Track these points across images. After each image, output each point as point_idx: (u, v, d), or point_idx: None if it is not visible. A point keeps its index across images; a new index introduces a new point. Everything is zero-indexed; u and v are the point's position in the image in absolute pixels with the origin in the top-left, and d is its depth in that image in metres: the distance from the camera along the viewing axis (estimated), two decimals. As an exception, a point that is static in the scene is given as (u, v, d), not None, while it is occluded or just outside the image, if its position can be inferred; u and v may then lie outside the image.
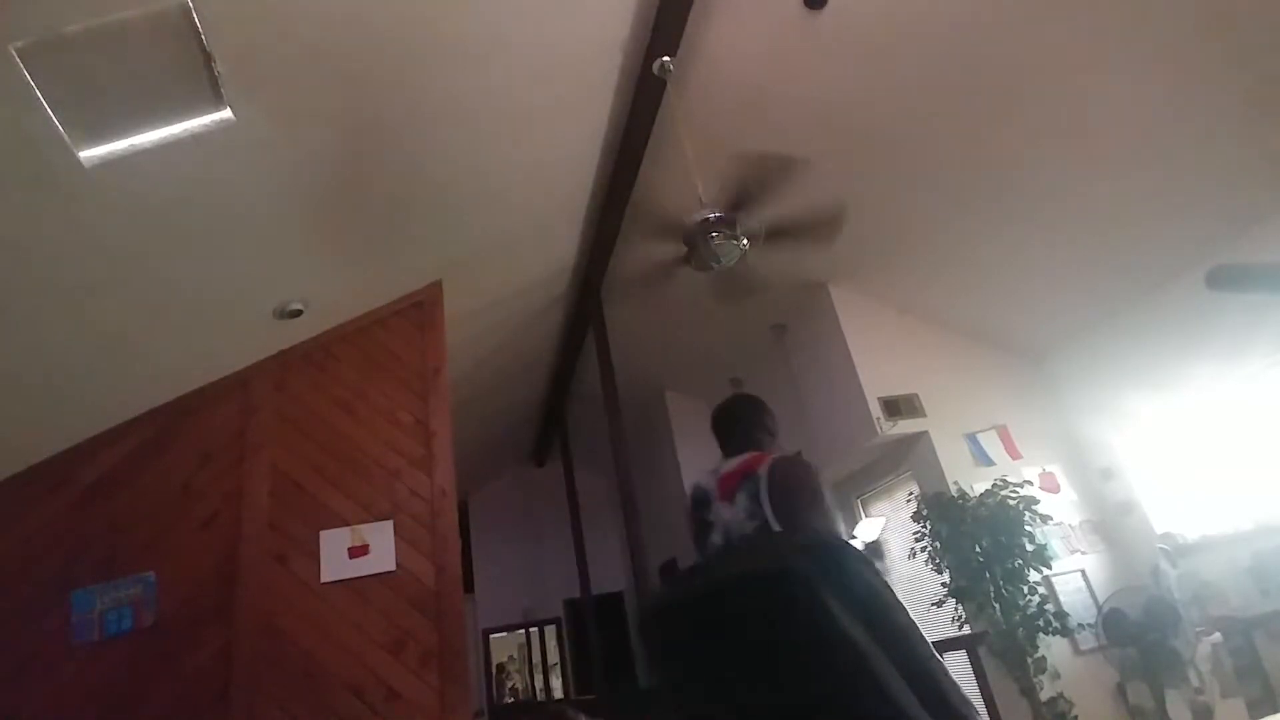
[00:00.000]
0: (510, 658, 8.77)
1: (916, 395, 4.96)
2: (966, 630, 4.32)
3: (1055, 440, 5.10)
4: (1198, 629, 3.94)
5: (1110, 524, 4.81)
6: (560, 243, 4.89)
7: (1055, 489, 4.83)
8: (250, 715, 2.94)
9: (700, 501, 2.30)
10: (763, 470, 2.15)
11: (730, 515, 2.17)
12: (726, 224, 3.12)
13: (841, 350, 5.18)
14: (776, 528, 2.04)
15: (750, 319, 5.86)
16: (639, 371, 6.59)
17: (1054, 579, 4.40)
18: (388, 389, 3.72)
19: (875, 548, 2.52)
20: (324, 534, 3.32)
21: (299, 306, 3.45)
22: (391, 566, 3.29)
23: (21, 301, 2.50)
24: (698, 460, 7.18)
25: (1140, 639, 4.12)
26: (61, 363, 2.87)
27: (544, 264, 5.05)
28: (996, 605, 4.16)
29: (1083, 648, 4.32)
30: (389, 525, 3.37)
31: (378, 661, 3.11)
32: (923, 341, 5.31)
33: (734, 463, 2.26)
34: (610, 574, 8.34)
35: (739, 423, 2.40)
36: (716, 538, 2.19)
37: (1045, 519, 4.32)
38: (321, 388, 3.66)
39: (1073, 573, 4.54)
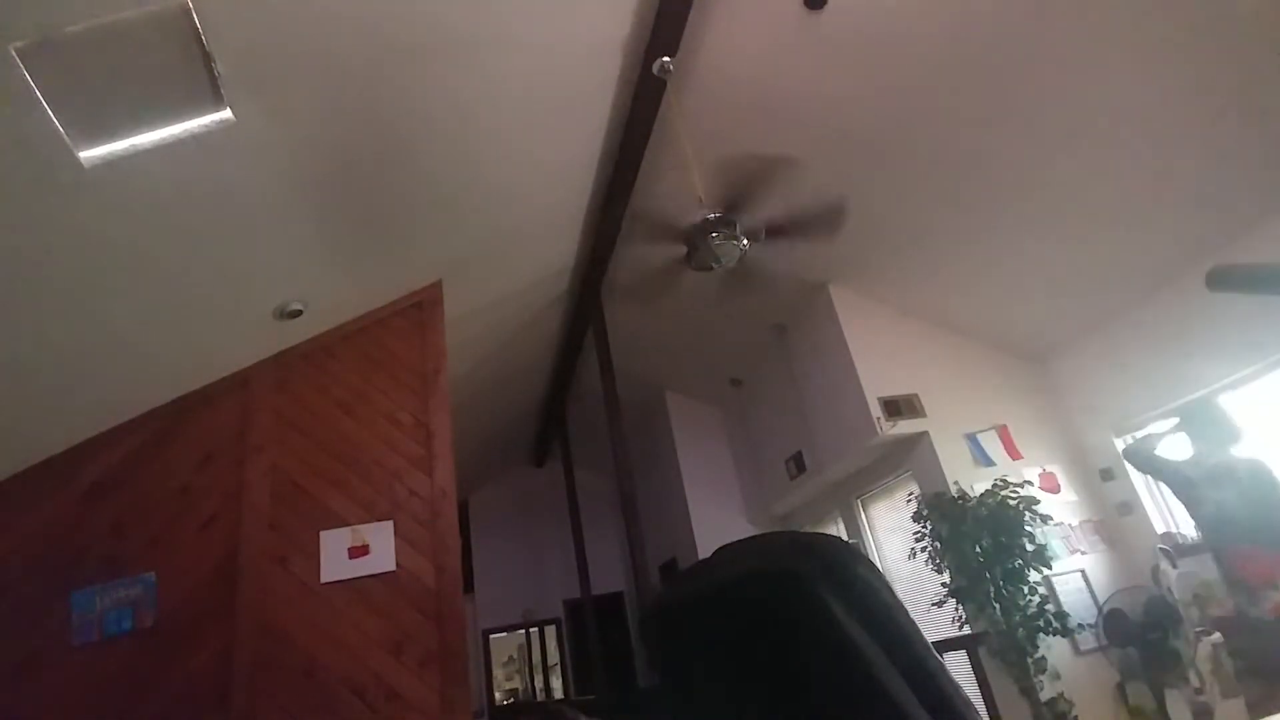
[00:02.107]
0: (510, 658, 8.77)
1: (916, 395, 4.96)
2: (966, 630, 4.32)
3: (1055, 440, 5.10)
4: (1198, 629, 3.93)
5: (1110, 524, 4.80)
6: (560, 243, 4.89)
7: (1055, 489, 4.83)
8: (250, 716, 2.94)
9: (1188, 483, 3.31)
10: (1241, 468, 3.17)
11: (1218, 496, 3.13)
12: (726, 224, 3.13)
13: (841, 350, 5.18)
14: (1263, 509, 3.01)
15: (750, 319, 5.86)
16: (639, 371, 6.59)
17: (1054, 579, 4.40)
18: (387, 389, 3.72)
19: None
20: (324, 534, 3.32)
21: (299, 306, 3.45)
22: (391, 566, 3.29)
23: (21, 301, 2.50)
24: (698, 460, 7.19)
25: (1140, 639, 4.12)
26: (61, 363, 2.86)
27: (544, 264, 5.05)
28: (996, 605, 4.16)
29: (1083, 648, 4.32)
30: (389, 525, 3.38)
31: (378, 662, 3.11)
32: (923, 341, 5.31)
33: (1213, 458, 3.27)
34: (610, 574, 8.35)
35: (1216, 426, 3.40)
36: (1209, 509, 3.19)
37: (1045, 519, 4.31)
38: (321, 388, 3.66)
39: (1073, 573, 4.53)
